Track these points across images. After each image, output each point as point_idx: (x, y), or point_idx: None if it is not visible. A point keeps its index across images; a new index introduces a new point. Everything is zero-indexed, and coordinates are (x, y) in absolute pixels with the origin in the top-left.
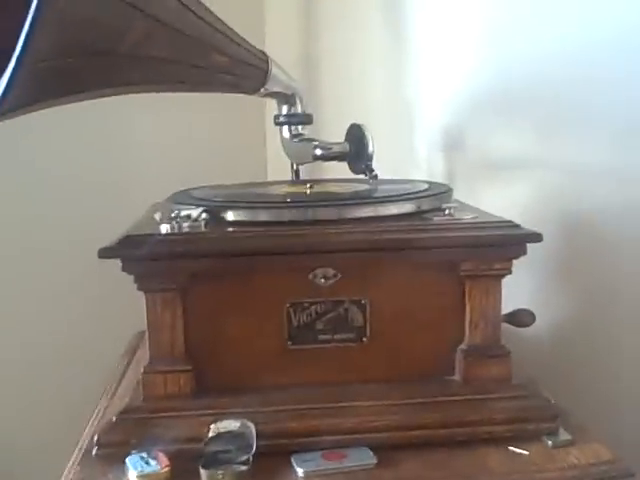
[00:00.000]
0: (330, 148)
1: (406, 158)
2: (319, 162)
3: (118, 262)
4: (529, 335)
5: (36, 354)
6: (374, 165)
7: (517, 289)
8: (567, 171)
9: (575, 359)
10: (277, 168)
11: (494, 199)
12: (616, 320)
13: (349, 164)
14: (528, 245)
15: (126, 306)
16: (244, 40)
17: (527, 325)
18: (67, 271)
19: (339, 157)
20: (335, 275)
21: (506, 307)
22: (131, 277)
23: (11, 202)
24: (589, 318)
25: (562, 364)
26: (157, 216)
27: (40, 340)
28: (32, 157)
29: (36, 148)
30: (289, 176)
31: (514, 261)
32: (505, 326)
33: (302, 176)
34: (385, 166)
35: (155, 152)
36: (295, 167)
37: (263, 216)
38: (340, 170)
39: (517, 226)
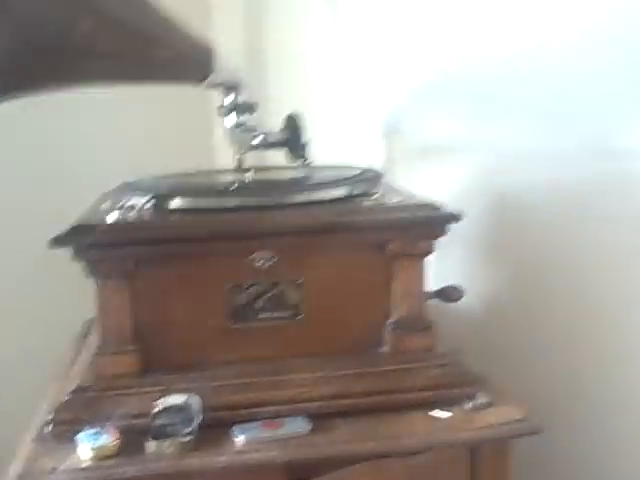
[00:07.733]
0: (266, 138)
1: (348, 143)
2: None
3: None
4: (463, 308)
5: None
6: (316, 150)
7: (450, 266)
8: (495, 154)
9: (507, 329)
10: (225, 154)
11: (431, 181)
12: (546, 291)
13: (287, 152)
14: (462, 223)
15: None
16: (188, 33)
17: (455, 300)
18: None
19: (276, 145)
20: (272, 257)
21: (444, 282)
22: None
23: None
24: (520, 290)
25: (495, 335)
26: (105, 206)
27: None
28: None
29: None
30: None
31: (448, 239)
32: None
33: (248, 162)
34: (327, 151)
35: (104, 142)
36: (239, 155)
37: (203, 203)
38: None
39: (438, 208)
